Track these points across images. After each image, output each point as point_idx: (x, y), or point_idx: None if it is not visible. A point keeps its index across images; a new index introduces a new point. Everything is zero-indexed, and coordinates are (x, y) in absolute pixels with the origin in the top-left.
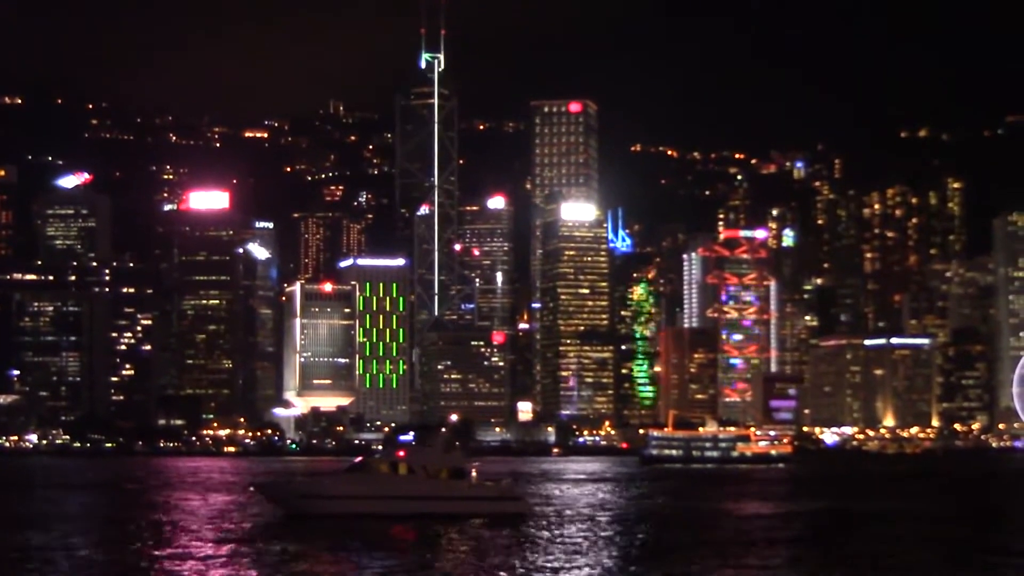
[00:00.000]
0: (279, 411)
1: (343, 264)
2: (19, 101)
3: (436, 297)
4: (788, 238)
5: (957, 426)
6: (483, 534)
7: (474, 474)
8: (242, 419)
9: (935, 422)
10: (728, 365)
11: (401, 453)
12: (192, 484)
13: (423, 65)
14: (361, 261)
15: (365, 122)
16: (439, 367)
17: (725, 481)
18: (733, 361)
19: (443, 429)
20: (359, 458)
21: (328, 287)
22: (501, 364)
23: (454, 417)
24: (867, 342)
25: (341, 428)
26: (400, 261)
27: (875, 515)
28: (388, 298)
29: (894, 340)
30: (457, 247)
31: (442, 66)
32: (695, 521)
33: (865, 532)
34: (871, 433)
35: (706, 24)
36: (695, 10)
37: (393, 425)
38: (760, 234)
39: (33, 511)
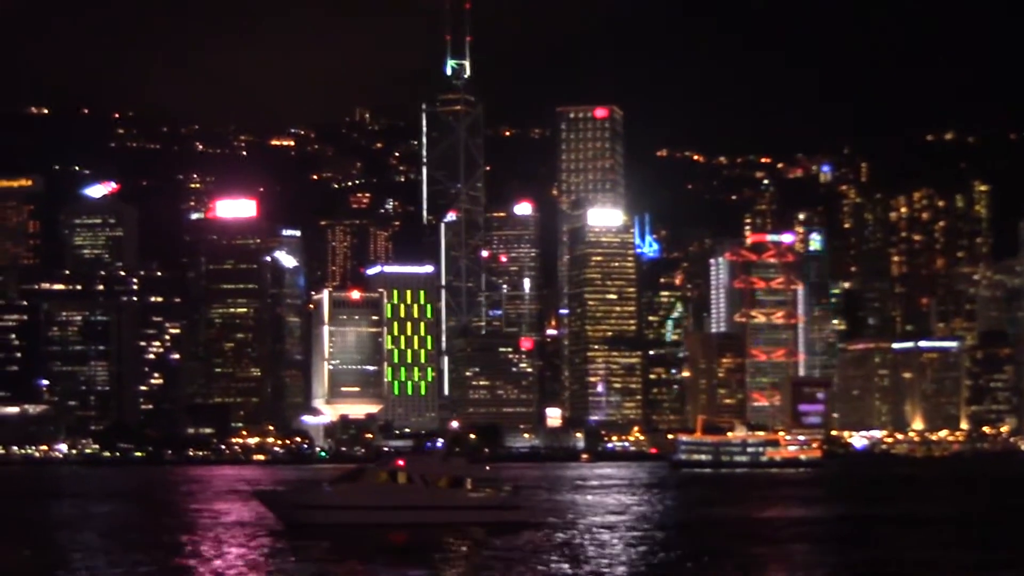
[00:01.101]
0: (308, 419)
1: (370, 272)
2: (45, 111)
3: (464, 304)
4: (815, 242)
5: (986, 429)
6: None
7: (468, 483)
8: (271, 427)
9: (963, 425)
10: (756, 369)
11: (400, 462)
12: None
13: (449, 72)
14: (388, 268)
15: (391, 129)
16: (467, 374)
17: (755, 485)
18: (761, 365)
19: (471, 436)
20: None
21: (356, 295)
22: (529, 370)
23: (455, 424)
24: (895, 345)
25: (370, 435)
26: (427, 268)
27: (904, 519)
28: (416, 305)
29: (922, 343)
30: (484, 253)
31: (468, 72)
32: (726, 527)
33: (894, 535)
34: (900, 436)
35: (730, 28)
36: (718, 13)
37: (423, 432)
38: (787, 238)
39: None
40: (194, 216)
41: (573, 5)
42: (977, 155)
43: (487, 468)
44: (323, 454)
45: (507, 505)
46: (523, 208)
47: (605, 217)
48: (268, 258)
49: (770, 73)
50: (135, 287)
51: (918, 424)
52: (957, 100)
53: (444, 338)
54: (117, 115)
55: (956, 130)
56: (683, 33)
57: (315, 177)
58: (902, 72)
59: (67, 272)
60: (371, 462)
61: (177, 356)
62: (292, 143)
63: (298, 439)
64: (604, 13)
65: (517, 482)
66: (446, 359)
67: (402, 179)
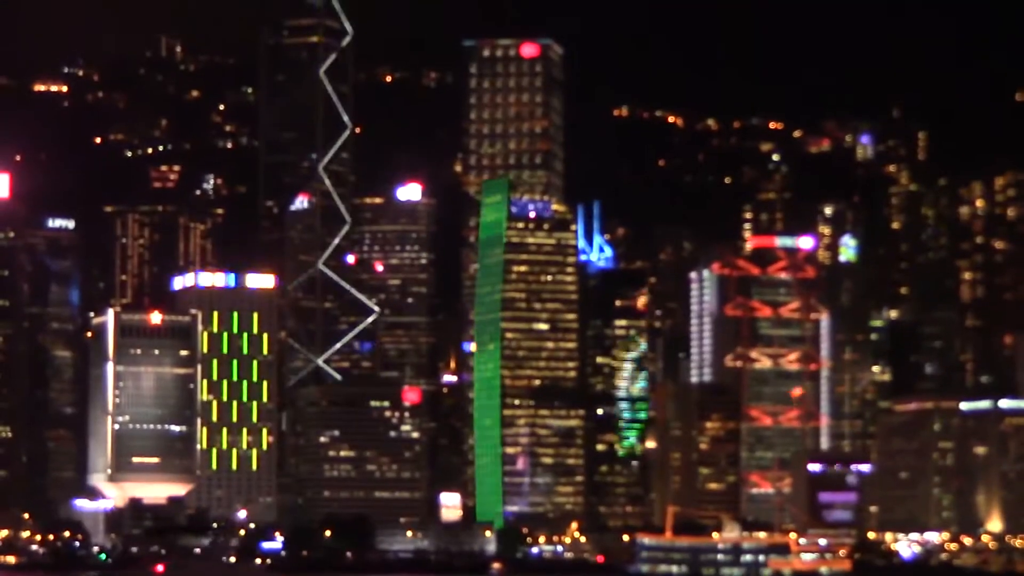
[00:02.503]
0: (82, 504)
1: (179, 284)
2: None
3: (319, 334)
4: (848, 249)
5: None
6: None
7: None
8: (26, 515)
9: None
10: (757, 439)
11: (160, 568)
12: None
13: None
14: (206, 279)
15: (214, 69)
16: (322, 439)
17: None
18: (764, 433)
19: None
20: None
21: (156, 317)
22: (416, 436)
23: (242, 514)
24: (964, 406)
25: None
26: (264, 279)
27: None
28: (246, 335)
29: (1003, 404)
30: (351, 258)
31: None
32: None
33: None
34: (968, 541)
35: None
36: None
37: (252, 527)
38: (806, 243)
39: None
40: None
41: None
42: None
43: None
44: (103, 556)
45: None
46: (410, 191)
47: (534, 207)
48: (26, 261)
49: None
50: None
51: (995, 524)
52: None
53: (287, 385)
54: None
55: None
56: None
57: (99, 140)
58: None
59: None
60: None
61: None
62: (64, 89)
63: (67, 534)
64: None
65: None
66: (290, 416)
67: (229, 145)
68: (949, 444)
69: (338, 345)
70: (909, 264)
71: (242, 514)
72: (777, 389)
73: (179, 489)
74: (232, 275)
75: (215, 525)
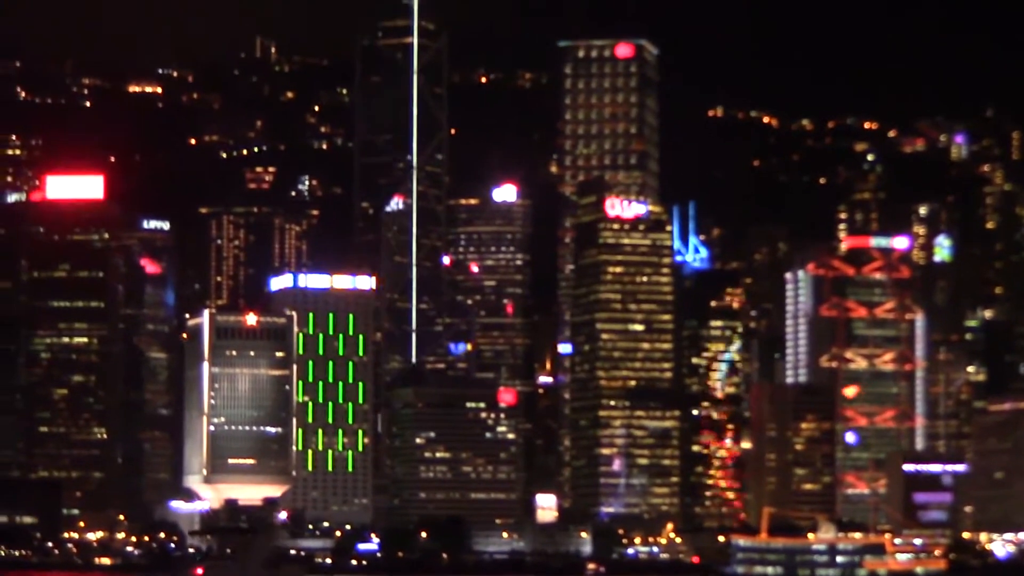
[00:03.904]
0: (178, 505)
1: (275, 285)
2: None
3: (414, 335)
4: (943, 249)
5: None
6: None
7: None
8: (122, 516)
9: None
10: (852, 440)
11: (199, 571)
12: None
13: None
14: (302, 280)
15: (308, 71)
16: (418, 440)
17: None
18: (859, 434)
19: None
20: None
21: (252, 319)
22: (512, 437)
23: (283, 516)
24: None
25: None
26: (360, 281)
27: None
28: (341, 336)
29: None
30: (446, 260)
31: None
32: None
33: None
34: None
35: None
36: None
37: (348, 527)
38: (901, 243)
39: None
40: (11, 198)
41: None
42: None
43: None
44: (200, 558)
45: None
46: (506, 192)
47: (629, 207)
48: (121, 262)
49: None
50: None
51: None
52: None
53: (383, 386)
54: None
55: None
56: None
57: (193, 142)
58: None
59: None
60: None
61: None
62: (159, 90)
63: (162, 535)
64: None
65: None
66: (385, 417)
67: (324, 146)
68: None
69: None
70: (1003, 264)
71: (283, 516)
72: (873, 390)
73: (275, 490)
74: (328, 276)
75: (311, 527)
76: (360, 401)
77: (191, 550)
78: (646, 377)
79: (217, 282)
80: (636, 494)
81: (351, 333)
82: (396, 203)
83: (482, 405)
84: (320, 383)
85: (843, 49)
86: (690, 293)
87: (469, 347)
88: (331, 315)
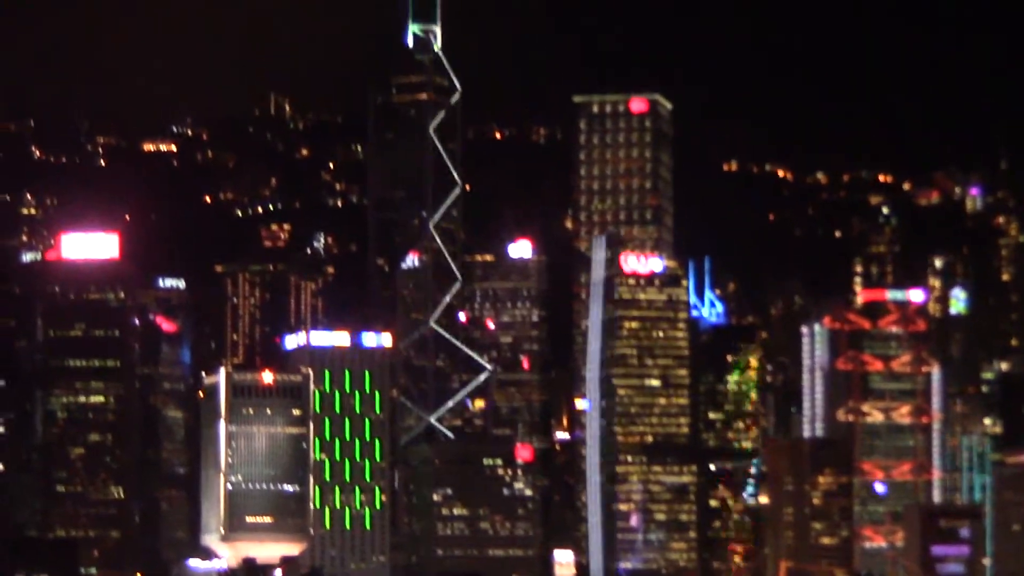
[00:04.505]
0: (195, 563)
1: (291, 343)
2: None
3: (431, 392)
4: (958, 301)
5: None
6: None
7: None
8: (139, 574)
9: None
10: (869, 493)
11: None
12: None
13: (410, 42)
14: (317, 338)
15: (323, 128)
16: (435, 498)
17: None
18: (877, 487)
19: None
20: None
21: (268, 377)
22: (529, 493)
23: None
24: None
25: None
26: (376, 338)
27: None
28: (358, 393)
29: None
30: (462, 316)
31: (439, 43)
32: None
33: None
34: None
35: None
36: None
37: None
38: (917, 296)
39: None
40: (27, 257)
41: None
42: None
43: None
44: None
45: None
46: (521, 248)
47: (645, 262)
48: (137, 320)
49: (890, 48)
50: None
51: None
52: None
53: (400, 444)
54: None
55: None
56: None
57: (208, 199)
58: None
59: None
60: None
61: (0, 467)
62: (174, 148)
63: None
64: None
65: None
66: (402, 475)
67: (338, 203)
68: None
69: (451, 403)
70: (1019, 316)
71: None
72: (890, 443)
73: (293, 549)
74: (344, 333)
75: None
76: (377, 458)
77: None
78: (663, 432)
79: (233, 340)
80: (654, 549)
81: (367, 390)
82: (411, 260)
83: (499, 461)
84: (337, 440)
85: (856, 102)
86: (706, 348)
87: (481, 403)
88: (347, 372)
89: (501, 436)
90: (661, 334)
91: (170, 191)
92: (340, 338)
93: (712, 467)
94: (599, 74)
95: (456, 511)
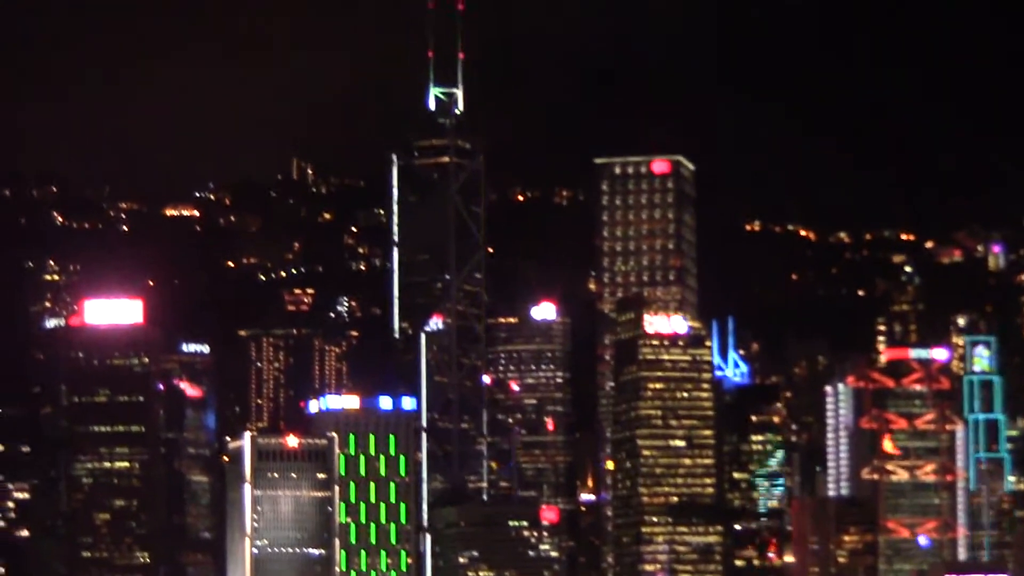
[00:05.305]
0: None
1: (315, 406)
2: None
3: (456, 455)
4: (982, 360)
5: None
6: None
7: None
8: None
9: None
10: (895, 551)
11: None
12: None
13: (432, 105)
14: (341, 402)
15: (345, 192)
16: (461, 560)
17: None
18: (902, 545)
19: None
20: None
21: (293, 441)
22: (555, 555)
23: None
24: None
25: None
26: (401, 401)
27: None
28: (383, 457)
29: None
30: (487, 379)
31: (461, 106)
32: None
33: None
34: None
35: (846, 41)
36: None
37: None
38: (940, 354)
39: None
40: (50, 324)
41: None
42: None
43: None
44: None
45: None
46: (545, 310)
47: (668, 323)
48: (161, 386)
49: (909, 107)
50: None
51: None
52: None
53: (425, 507)
54: None
55: None
56: (781, 48)
57: (231, 264)
58: None
59: None
60: None
61: (25, 533)
62: (197, 213)
63: None
64: (664, 23)
65: None
66: (428, 538)
67: (362, 267)
68: None
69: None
70: None
71: None
72: (915, 501)
73: None
74: (368, 397)
75: None
76: (403, 521)
77: None
78: (688, 493)
79: (257, 404)
80: None
81: (392, 453)
82: (435, 323)
83: (525, 523)
84: (362, 504)
85: (878, 161)
86: (730, 408)
87: (494, 465)
88: (372, 436)
89: (527, 498)
90: (685, 395)
91: (193, 256)
92: (365, 402)
93: (737, 527)
94: (620, 136)
95: (482, 573)
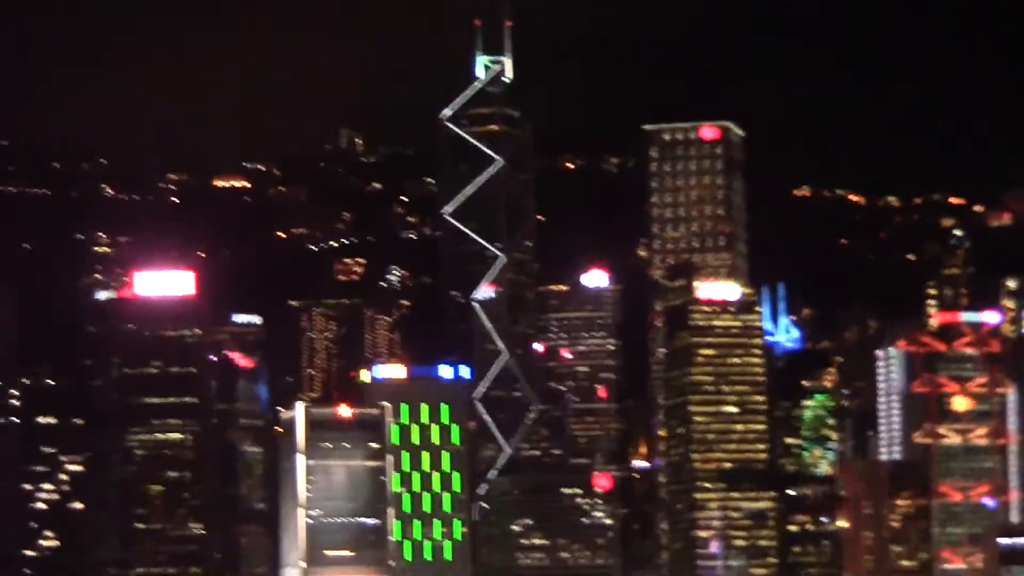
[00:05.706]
0: None
1: (367, 376)
2: None
3: (508, 423)
4: None
5: None
6: None
7: None
8: None
9: None
10: (948, 515)
11: None
12: None
13: (480, 74)
14: (393, 371)
15: (394, 161)
16: (514, 527)
17: None
18: (955, 509)
19: None
20: None
21: (345, 411)
22: (608, 522)
23: None
24: None
25: None
26: (452, 370)
27: None
28: (435, 426)
29: None
30: (538, 347)
31: (509, 75)
32: None
33: None
34: None
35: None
36: None
37: None
38: (991, 317)
39: None
40: (102, 296)
41: None
42: None
43: None
44: None
45: None
46: (595, 278)
47: (719, 290)
48: (213, 357)
49: (959, 70)
50: (14, 403)
51: None
52: None
53: (478, 475)
54: None
55: None
56: (833, 17)
57: (281, 235)
58: None
59: None
60: None
61: (79, 505)
62: (247, 185)
63: None
64: None
65: None
66: (482, 506)
67: (412, 236)
68: None
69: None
70: None
71: None
72: (968, 465)
73: None
74: (420, 367)
75: None
76: (456, 489)
77: None
78: (740, 459)
79: (309, 374)
80: (735, 575)
81: (446, 422)
82: (487, 291)
83: (578, 491)
84: (416, 474)
85: (927, 125)
86: (782, 373)
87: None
88: (424, 406)
89: (579, 465)
90: (737, 360)
91: (243, 227)
92: (421, 370)
93: (790, 492)
94: (670, 102)
95: (536, 541)
